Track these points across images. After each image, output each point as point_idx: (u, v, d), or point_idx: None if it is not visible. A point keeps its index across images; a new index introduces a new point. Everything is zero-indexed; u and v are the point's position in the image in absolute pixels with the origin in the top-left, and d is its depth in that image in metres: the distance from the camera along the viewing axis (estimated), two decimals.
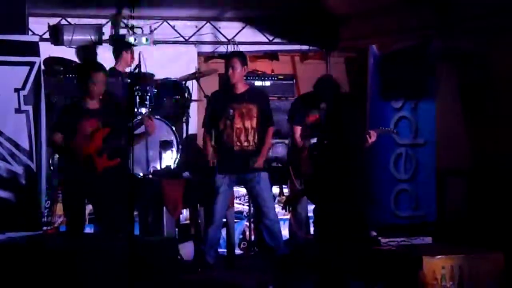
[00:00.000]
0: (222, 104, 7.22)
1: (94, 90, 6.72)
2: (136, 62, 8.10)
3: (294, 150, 7.58)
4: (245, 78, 7.55)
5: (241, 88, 7.26)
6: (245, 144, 7.19)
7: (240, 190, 7.91)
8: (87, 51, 8.62)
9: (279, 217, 7.68)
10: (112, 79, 7.67)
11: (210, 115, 7.31)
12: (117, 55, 8.37)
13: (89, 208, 7.14)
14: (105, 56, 8.44)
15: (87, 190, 6.74)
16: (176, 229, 7.73)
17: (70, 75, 8.10)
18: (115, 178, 6.79)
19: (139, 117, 7.65)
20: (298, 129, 7.48)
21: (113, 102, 7.06)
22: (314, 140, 7.16)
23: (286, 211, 7.75)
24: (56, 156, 7.64)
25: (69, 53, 8.51)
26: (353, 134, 5.90)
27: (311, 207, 7.36)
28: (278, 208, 8.14)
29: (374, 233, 6.26)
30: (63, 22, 8.70)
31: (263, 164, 7.22)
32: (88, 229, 7.34)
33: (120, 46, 8.33)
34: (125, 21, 8.59)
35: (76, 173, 6.70)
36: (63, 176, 6.74)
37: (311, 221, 7.55)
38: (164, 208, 7.43)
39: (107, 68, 7.32)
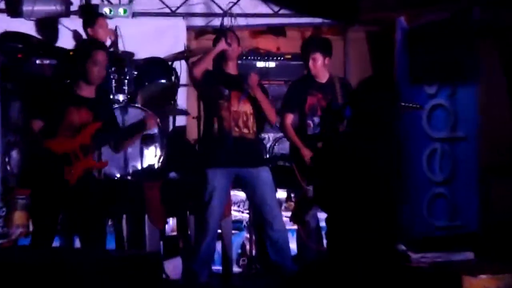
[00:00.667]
0: (214, 84, 7.10)
1: (94, 73, 6.42)
2: (112, 38, 8.20)
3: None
4: (245, 58, 7.94)
5: (234, 68, 7.25)
6: (245, 130, 7.13)
7: (239, 195, 7.82)
8: (49, 25, 8.62)
9: (286, 227, 7.60)
10: None
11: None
12: (86, 29, 8.25)
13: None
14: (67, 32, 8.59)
15: (63, 195, 6.44)
16: (161, 242, 7.62)
17: (32, 55, 8.09)
18: (97, 183, 6.69)
19: (116, 106, 7.70)
20: (290, 117, 7.53)
21: (104, 90, 7.02)
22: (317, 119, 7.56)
23: (294, 223, 7.67)
24: (15, 152, 7.62)
25: (30, 27, 8.54)
26: (383, 122, 5.81)
27: (322, 216, 7.26)
28: (284, 218, 8.09)
29: (403, 247, 6.46)
30: None
31: (256, 82, 7.12)
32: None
33: (91, 18, 8.27)
34: None
35: (51, 174, 6.40)
36: (35, 178, 6.54)
37: (323, 232, 7.38)
38: (146, 216, 7.34)
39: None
